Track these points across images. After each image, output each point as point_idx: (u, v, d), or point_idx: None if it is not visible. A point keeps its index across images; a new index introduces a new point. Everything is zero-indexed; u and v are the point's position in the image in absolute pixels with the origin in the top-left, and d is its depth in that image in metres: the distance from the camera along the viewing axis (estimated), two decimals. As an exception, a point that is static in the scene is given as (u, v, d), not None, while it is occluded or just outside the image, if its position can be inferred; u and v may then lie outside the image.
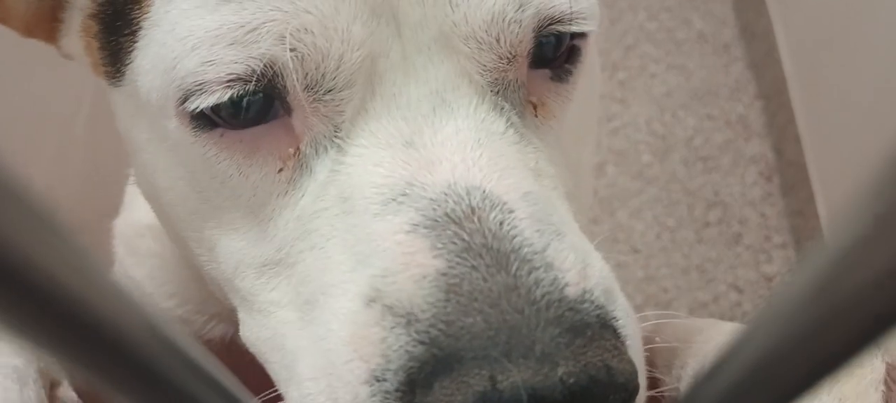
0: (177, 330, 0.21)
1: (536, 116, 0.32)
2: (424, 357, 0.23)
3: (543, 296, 0.23)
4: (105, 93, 0.42)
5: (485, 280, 0.23)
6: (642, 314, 0.30)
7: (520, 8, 0.29)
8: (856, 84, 1.14)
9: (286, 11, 0.27)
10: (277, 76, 0.28)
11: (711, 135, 1.44)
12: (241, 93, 0.28)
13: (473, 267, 0.24)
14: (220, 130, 0.30)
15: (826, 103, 1.25)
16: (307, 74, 0.28)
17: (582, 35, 0.33)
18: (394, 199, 0.26)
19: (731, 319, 1.32)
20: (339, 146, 0.30)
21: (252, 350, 0.34)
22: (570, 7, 0.30)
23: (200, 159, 0.32)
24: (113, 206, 1.04)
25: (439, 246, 0.25)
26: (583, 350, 0.21)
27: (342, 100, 0.29)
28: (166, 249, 0.50)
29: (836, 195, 1.21)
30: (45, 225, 0.17)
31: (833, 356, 0.17)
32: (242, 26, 0.27)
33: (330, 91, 0.29)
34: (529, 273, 0.23)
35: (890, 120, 1.02)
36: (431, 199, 0.26)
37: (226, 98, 0.28)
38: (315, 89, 0.29)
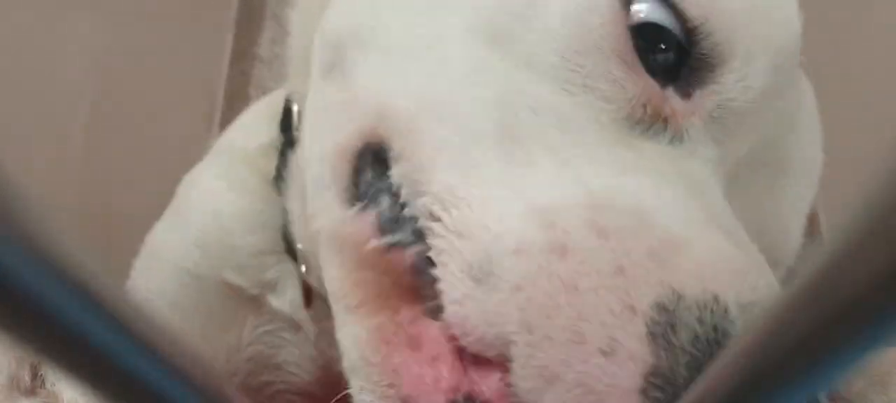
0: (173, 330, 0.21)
1: None
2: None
3: None
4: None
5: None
6: None
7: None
8: (855, 84, 1.14)
9: None
10: (717, 47, 0.29)
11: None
12: (691, 29, 0.28)
13: None
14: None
15: (826, 105, 1.25)
16: (741, 96, 0.29)
17: None
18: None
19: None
20: (695, 152, 0.30)
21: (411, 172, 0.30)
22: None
23: (602, 34, 0.29)
24: (111, 209, 1.03)
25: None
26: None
27: (736, 146, 0.31)
28: (264, 186, 0.49)
29: (836, 196, 1.21)
30: (37, 228, 0.17)
31: (833, 360, 0.17)
32: None
33: (733, 129, 0.30)
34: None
35: (890, 120, 1.02)
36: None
37: (680, 29, 0.28)
38: (725, 112, 0.30)
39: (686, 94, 0.30)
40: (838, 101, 1.20)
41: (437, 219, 0.26)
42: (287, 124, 0.48)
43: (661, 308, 0.21)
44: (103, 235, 1.01)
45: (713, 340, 0.21)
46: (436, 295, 0.25)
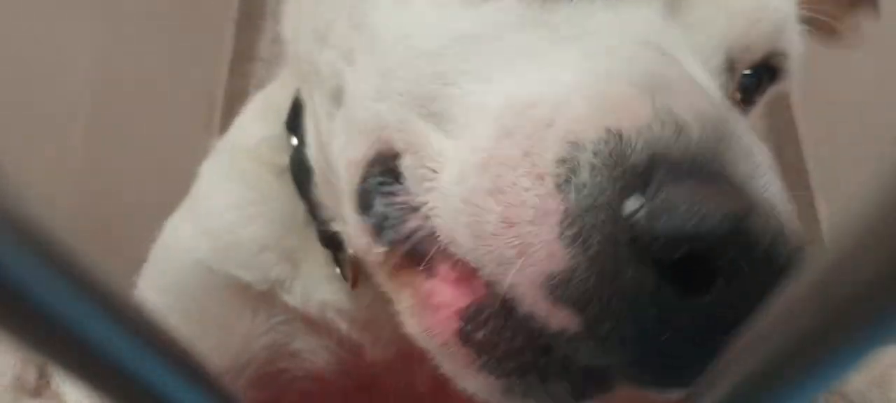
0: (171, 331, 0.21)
1: None
2: (677, 160, 0.22)
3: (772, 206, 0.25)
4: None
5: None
6: None
7: (778, 28, 0.33)
8: (856, 87, 1.14)
9: None
10: None
11: (711, 138, 1.44)
12: None
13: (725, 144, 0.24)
14: None
15: (826, 106, 1.25)
16: None
17: (775, 75, 0.36)
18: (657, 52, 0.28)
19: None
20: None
21: (389, 141, 0.33)
22: (795, 52, 0.34)
23: None
24: (111, 209, 1.03)
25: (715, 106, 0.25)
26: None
27: None
28: (271, 178, 0.52)
29: (837, 198, 1.21)
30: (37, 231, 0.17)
31: (834, 360, 0.17)
32: None
33: None
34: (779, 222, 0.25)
35: (890, 123, 1.02)
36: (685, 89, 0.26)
37: None
38: None
39: None
40: (838, 104, 1.20)
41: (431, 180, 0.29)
42: (296, 123, 0.49)
43: (561, 161, 0.23)
44: (103, 235, 1.01)
45: (612, 164, 0.23)
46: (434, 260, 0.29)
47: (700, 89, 0.26)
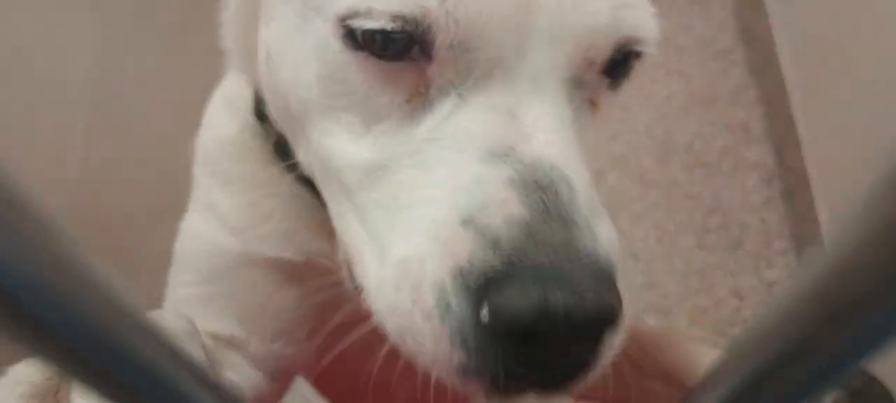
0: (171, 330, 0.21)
1: (591, 112, 0.42)
2: (501, 271, 0.32)
3: (587, 255, 0.33)
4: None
5: (553, 235, 0.33)
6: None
7: (614, 26, 0.38)
8: (857, 88, 1.14)
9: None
10: (430, 28, 0.35)
11: (712, 140, 1.44)
12: (396, 28, 0.35)
13: (547, 224, 0.33)
14: (365, 53, 0.37)
15: (826, 108, 1.25)
16: (456, 35, 0.36)
17: (640, 56, 0.42)
18: (498, 155, 0.36)
19: (731, 325, 1.32)
20: (460, 96, 0.37)
21: (342, 239, 0.42)
22: (650, 35, 0.40)
23: (339, 68, 0.39)
24: (111, 205, 1.03)
25: (527, 201, 0.34)
26: (601, 293, 0.32)
27: (475, 62, 0.37)
28: (250, 168, 0.55)
29: (837, 200, 1.21)
30: (40, 225, 0.17)
31: (833, 363, 0.17)
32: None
33: (468, 51, 0.36)
34: (580, 238, 0.33)
35: (891, 125, 1.02)
36: (525, 165, 0.35)
37: (388, 27, 0.35)
38: (457, 48, 0.36)
39: (428, 60, 0.37)
40: (839, 106, 1.20)
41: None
42: (262, 110, 0.52)
43: (437, 303, 0.34)
44: (103, 233, 1.01)
45: (464, 293, 0.33)
46: None
47: (530, 168, 0.35)
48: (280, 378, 0.57)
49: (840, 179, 1.20)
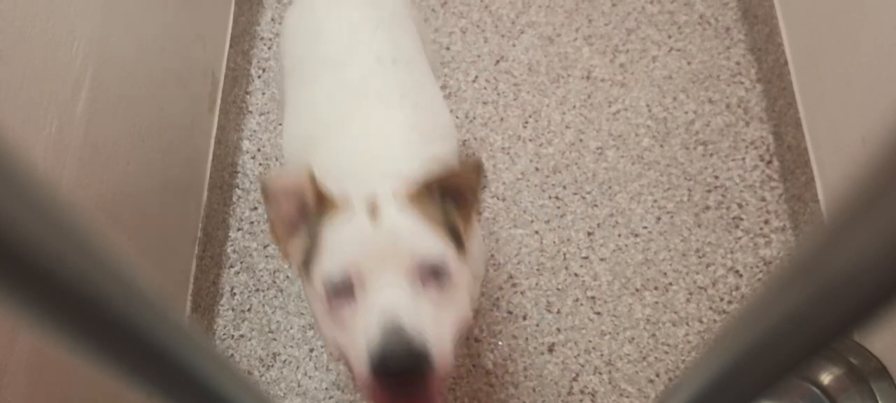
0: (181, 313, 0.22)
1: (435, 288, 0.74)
2: (375, 361, 0.65)
3: (408, 345, 0.66)
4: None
5: (398, 341, 0.66)
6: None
7: (420, 258, 0.71)
8: (857, 68, 1.14)
9: (355, 258, 0.70)
10: (351, 278, 0.71)
11: (712, 119, 1.44)
12: (338, 280, 0.71)
13: (396, 335, 0.66)
14: (328, 299, 0.72)
15: (827, 87, 1.25)
16: (361, 279, 0.70)
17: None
18: (379, 314, 0.68)
19: (729, 302, 1.32)
20: (366, 294, 0.70)
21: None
22: (441, 263, 0.72)
23: (322, 304, 0.73)
24: (112, 189, 1.04)
25: (384, 330, 0.67)
26: (414, 356, 0.66)
27: (368, 283, 0.70)
28: None
29: (836, 179, 1.21)
30: (47, 205, 0.17)
31: (824, 337, 0.17)
32: (342, 264, 0.70)
33: (364, 283, 0.70)
34: (416, 350, 0.66)
35: (890, 104, 1.02)
36: (392, 322, 0.67)
37: (339, 280, 0.71)
38: (361, 283, 0.70)
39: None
40: (839, 85, 1.20)
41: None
42: None
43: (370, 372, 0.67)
44: (105, 215, 1.01)
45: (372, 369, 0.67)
46: None
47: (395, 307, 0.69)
48: None
49: (839, 159, 1.20)
